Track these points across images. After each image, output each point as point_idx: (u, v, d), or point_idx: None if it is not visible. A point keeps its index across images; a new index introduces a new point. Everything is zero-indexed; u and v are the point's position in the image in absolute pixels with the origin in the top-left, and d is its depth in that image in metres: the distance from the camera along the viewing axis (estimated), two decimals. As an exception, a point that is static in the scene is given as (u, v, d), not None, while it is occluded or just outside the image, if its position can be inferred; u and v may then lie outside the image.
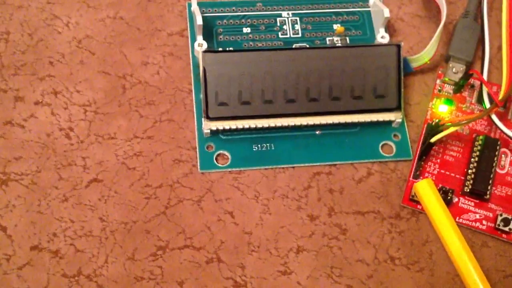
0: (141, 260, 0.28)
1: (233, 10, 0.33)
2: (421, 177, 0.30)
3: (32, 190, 0.28)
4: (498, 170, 0.31)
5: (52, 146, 0.29)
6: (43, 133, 0.29)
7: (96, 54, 0.31)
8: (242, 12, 0.33)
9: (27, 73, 0.31)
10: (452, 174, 0.31)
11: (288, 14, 0.33)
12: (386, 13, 0.31)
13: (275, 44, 0.32)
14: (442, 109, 0.32)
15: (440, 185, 0.30)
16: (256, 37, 0.32)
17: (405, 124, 0.32)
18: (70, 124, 0.30)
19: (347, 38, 0.33)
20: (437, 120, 0.30)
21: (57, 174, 0.29)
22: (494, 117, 0.31)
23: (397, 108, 0.30)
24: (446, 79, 0.32)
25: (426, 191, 0.28)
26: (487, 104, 0.31)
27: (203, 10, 0.32)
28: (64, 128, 0.30)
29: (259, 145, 0.30)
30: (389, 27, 0.34)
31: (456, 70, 0.32)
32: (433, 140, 0.29)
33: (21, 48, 0.31)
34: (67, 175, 0.29)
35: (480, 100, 0.32)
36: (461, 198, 0.30)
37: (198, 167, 0.30)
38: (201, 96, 0.29)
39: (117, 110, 0.30)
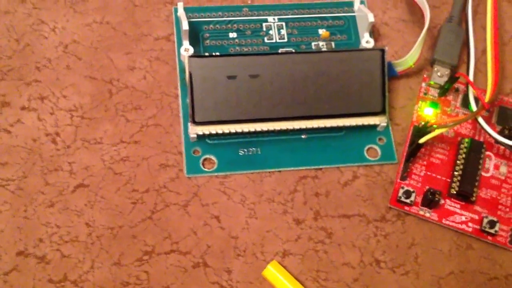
0: (127, 265, 0.28)
1: (220, 15, 0.33)
2: (408, 179, 0.30)
3: (18, 196, 0.28)
4: (483, 173, 0.31)
5: (39, 152, 0.29)
6: (30, 139, 0.29)
7: (82, 59, 0.31)
8: (228, 17, 0.33)
9: (13, 78, 0.31)
10: (438, 176, 0.31)
11: (274, 19, 0.33)
12: (371, 18, 0.32)
13: (261, 49, 0.32)
14: (427, 112, 0.32)
15: (427, 187, 0.30)
16: (242, 42, 0.32)
17: (390, 127, 0.32)
18: (57, 129, 0.30)
19: (333, 43, 0.33)
20: (424, 122, 0.30)
21: (43, 179, 0.29)
22: (480, 119, 0.31)
23: (382, 112, 0.31)
24: (431, 82, 0.33)
25: (277, 273, 0.28)
26: (474, 107, 0.32)
27: (190, 15, 0.32)
28: (50, 133, 0.30)
29: (245, 149, 0.30)
30: (374, 32, 0.34)
31: (441, 73, 0.33)
32: (422, 141, 0.29)
33: (7, 53, 0.31)
34: (54, 181, 0.29)
35: (465, 104, 0.32)
36: (447, 200, 0.30)
37: (185, 171, 0.30)
38: (188, 100, 0.29)
39: (103, 115, 0.30)
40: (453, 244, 0.30)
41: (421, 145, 0.30)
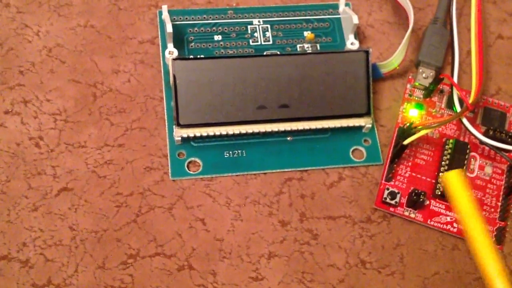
0: (111, 269, 0.27)
1: (204, 18, 0.33)
2: (393, 180, 0.31)
3: (1, 200, 0.28)
4: (468, 174, 0.31)
5: (22, 155, 0.29)
6: (13, 143, 0.29)
7: (66, 63, 0.31)
8: (213, 20, 0.33)
9: (-3, 83, 0.31)
10: (423, 177, 0.31)
11: (259, 21, 0.33)
12: (355, 20, 0.32)
13: (246, 51, 0.32)
14: (412, 113, 0.32)
15: (412, 188, 0.30)
16: (227, 44, 0.32)
17: (375, 129, 0.32)
18: (40, 133, 0.30)
19: (318, 45, 0.33)
20: (409, 123, 0.30)
21: (26, 183, 0.29)
22: (464, 120, 0.31)
23: (367, 113, 0.31)
24: (416, 84, 0.33)
25: (455, 182, 0.25)
26: (458, 108, 0.32)
27: (174, 18, 0.32)
28: (34, 137, 0.29)
29: (230, 152, 0.30)
30: (359, 34, 0.34)
31: (426, 75, 0.33)
32: (406, 142, 0.30)
33: (-10, 57, 0.31)
34: (37, 184, 0.29)
35: (449, 105, 0.33)
36: (432, 201, 0.30)
37: (170, 174, 0.29)
38: (172, 103, 0.29)
39: (87, 119, 0.30)
40: (439, 245, 0.30)
41: (406, 146, 0.30)
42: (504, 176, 0.31)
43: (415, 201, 0.29)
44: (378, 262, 0.29)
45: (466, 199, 0.25)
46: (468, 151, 0.31)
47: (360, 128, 0.31)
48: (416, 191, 0.30)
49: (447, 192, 0.26)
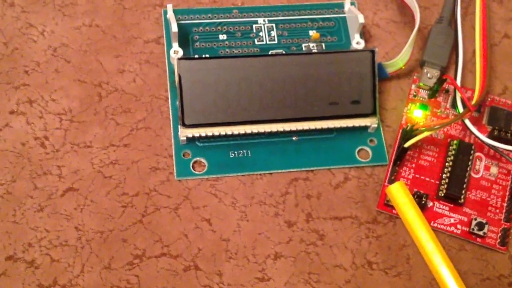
0: (117, 269, 0.27)
1: (209, 17, 0.33)
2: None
3: (7, 200, 0.28)
4: (472, 174, 0.31)
5: (27, 156, 0.29)
6: (18, 143, 0.29)
7: (71, 62, 0.31)
8: (218, 19, 0.33)
9: (1, 82, 0.30)
10: (427, 179, 0.31)
11: (264, 20, 0.33)
12: (361, 19, 0.32)
13: (251, 50, 0.32)
14: (417, 114, 0.32)
15: (415, 190, 0.30)
16: (232, 44, 0.32)
17: (381, 129, 0.32)
18: (46, 133, 0.30)
19: (323, 44, 0.33)
20: (411, 125, 0.30)
21: (32, 183, 0.28)
22: (467, 121, 0.31)
23: (373, 113, 0.31)
24: (421, 84, 0.33)
25: (399, 194, 0.28)
26: (461, 109, 0.31)
27: (179, 17, 0.32)
28: (39, 137, 0.29)
29: (235, 152, 0.30)
30: (365, 33, 0.34)
31: (430, 75, 0.33)
32: (407, 145, 0.29)
33: (-5, 57, 0.31)
34: (43, 185, 0.29)
35: (454, 105, 0.32)
36: (436, 203, 0.30)
37: (175, 174, 0.29)
38: (177, 103, 0.29)
39: (93, 118, 0.30)
40: (445, 246, 0.30)
41: (407, 149, 0.30)
42: (510, 176, 0.31)
43: (417, 203, 0.29)
44: (385, 263, 0.29)
45: (409, 208, 0.28)
46: (472, 152, 0.31)
47: (365, 128, 0.31)
48: (418, 193, 0.30)
49: (393, 204, 0.29)
